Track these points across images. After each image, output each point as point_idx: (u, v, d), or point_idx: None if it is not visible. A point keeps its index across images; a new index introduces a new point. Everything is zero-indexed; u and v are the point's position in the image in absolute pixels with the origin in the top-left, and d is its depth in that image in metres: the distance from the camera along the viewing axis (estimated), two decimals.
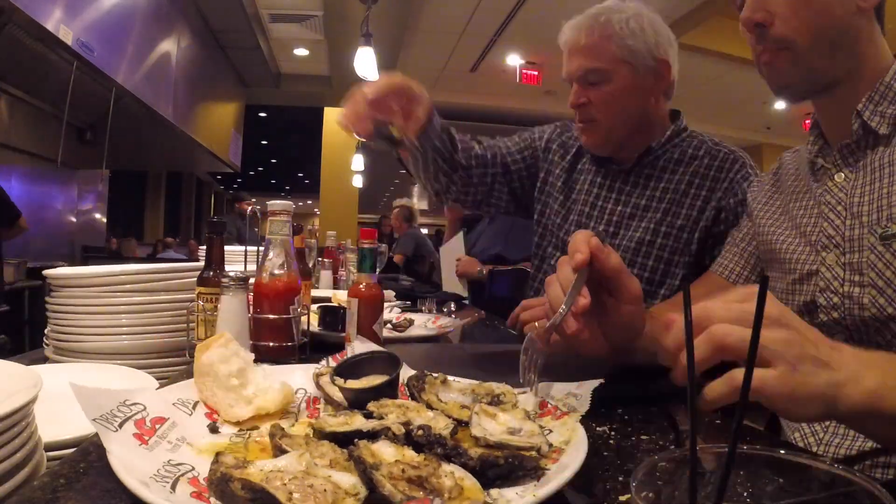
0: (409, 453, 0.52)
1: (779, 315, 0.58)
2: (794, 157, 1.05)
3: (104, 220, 7.10)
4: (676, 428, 0.70)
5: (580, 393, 0.66)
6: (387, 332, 1.22)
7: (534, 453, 0.53)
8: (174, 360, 1.04)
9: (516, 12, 5.62)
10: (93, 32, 3.28)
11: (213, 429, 0.62)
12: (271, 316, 1.00)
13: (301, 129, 10.01)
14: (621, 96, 1.32)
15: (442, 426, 0.57)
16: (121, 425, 0.54)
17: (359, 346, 0.85)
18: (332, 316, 1.25)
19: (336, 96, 7.75)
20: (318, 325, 1.25)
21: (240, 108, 7.58)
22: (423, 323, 1.47)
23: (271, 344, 1.00)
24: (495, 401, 0.68)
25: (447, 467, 0.50)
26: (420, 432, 0.55)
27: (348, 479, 0.46)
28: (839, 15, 0.83)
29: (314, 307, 1.26)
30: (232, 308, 0.92)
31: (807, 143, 0.97)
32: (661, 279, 1.34)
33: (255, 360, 0.94)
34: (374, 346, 0.87)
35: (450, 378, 0.73)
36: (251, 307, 1.00)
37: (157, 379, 0.86)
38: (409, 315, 1.54)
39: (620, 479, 0.55)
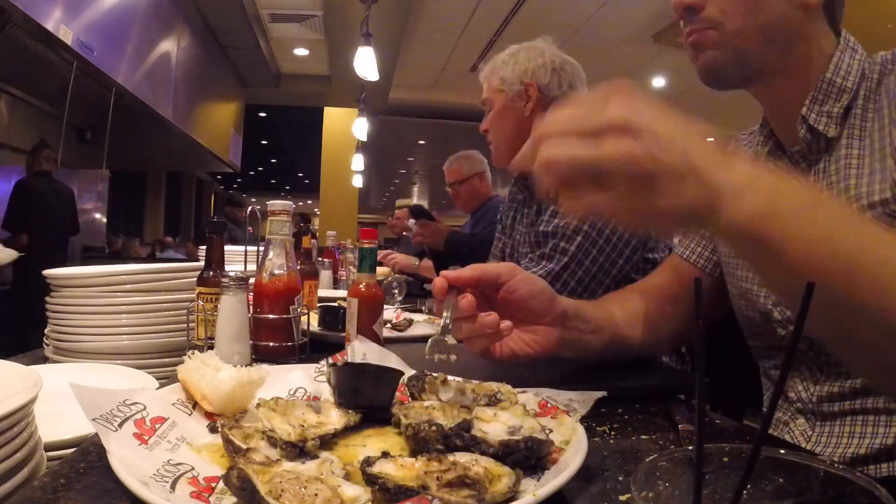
0: (409, 460, 0.51)
1: (625, 118, 0.51)
2: (751, 140, 0.99)
3: (104, 220, 7.09)
4: (676, 428, 0.70)
5: (581, 400, 0.66)
6: (387, 332, 1.22)
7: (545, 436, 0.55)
8: (174, 360, 1.04)
9: (516, 12, 5.62)
10: (93, 32, 3.27)
11: (213, 429, 0.62)
12: (271, 316, 1.00)
13: (301, 129, 9.99)
14: (499, 118, 1.64)
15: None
16: (120, 425, 0.54)
17: (359, 346, 0.85)
18: (332, 316, 1.25)
19: (336, 96, 7.76)
20: (318, 325, 1.25)
21: (240, 108, 7.58)
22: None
23: (271, 344, 1.00)
24: (494, 400, 0.68)
25: (462, 458, 0.50)
26: (433, 428, 0.55)
27: (352, 490, 0.46)
28: (778, 7, 0.79)
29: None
30: (232, 308, 0.92)
31: (756, 142, 0.93)
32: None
33: (256, 360, 0.95)
34: (374, 346, 0.87)
35: (449, 378, 0.73)
36: (251, 307, 1.00)
37: (157, 379, 0.85)
38: (408, 315, 1.53)
39: (620, 479, 0.55)
